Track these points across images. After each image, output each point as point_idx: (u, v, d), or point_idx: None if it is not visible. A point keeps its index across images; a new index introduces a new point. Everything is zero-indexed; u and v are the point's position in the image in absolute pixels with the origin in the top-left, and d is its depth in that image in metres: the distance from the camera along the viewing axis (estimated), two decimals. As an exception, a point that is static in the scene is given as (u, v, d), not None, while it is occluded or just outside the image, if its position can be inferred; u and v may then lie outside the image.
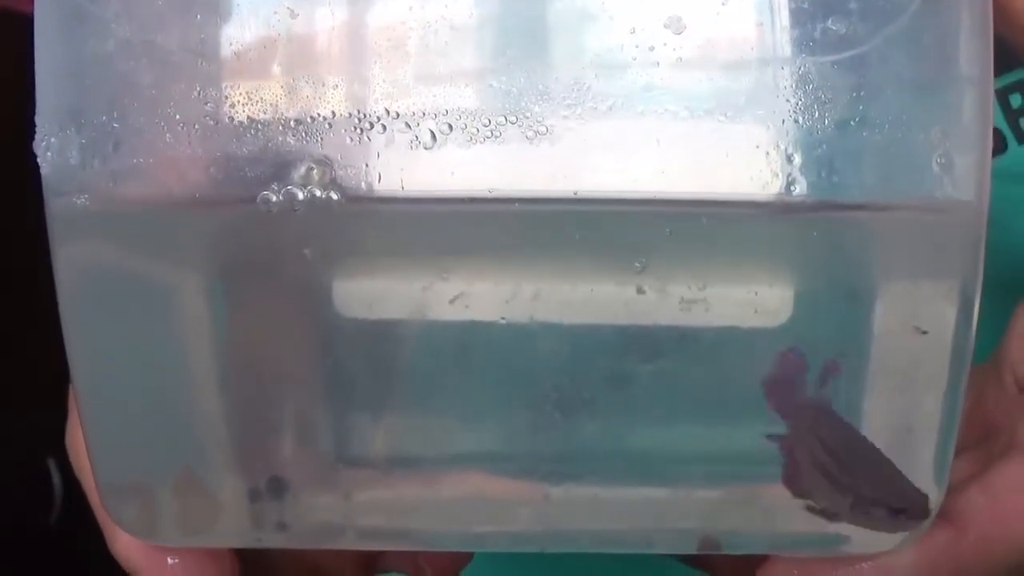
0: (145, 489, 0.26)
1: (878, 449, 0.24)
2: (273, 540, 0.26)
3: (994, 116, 0.40)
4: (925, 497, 0.24)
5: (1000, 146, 0.40)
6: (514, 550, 0.27)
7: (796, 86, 0.23)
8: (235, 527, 0.25)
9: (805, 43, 0.23)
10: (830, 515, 0.25)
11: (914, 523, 0.25)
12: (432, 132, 0.23)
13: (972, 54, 0.23)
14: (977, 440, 0.28)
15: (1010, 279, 0.29)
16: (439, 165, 0.23)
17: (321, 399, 0.26)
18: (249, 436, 0.26)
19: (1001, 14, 0.27)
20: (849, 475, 0.24)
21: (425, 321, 0.25)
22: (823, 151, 0.23)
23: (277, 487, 0.26)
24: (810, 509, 0.25)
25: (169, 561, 0.26)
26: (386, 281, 0.25)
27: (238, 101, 0.24)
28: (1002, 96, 0.39)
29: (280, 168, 0.24)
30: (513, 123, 0.23)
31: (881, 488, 0.24)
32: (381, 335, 0.25)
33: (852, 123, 0.23)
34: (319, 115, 0.23)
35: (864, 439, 0.24)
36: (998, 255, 0.40)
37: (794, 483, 0.24)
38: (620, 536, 0.26)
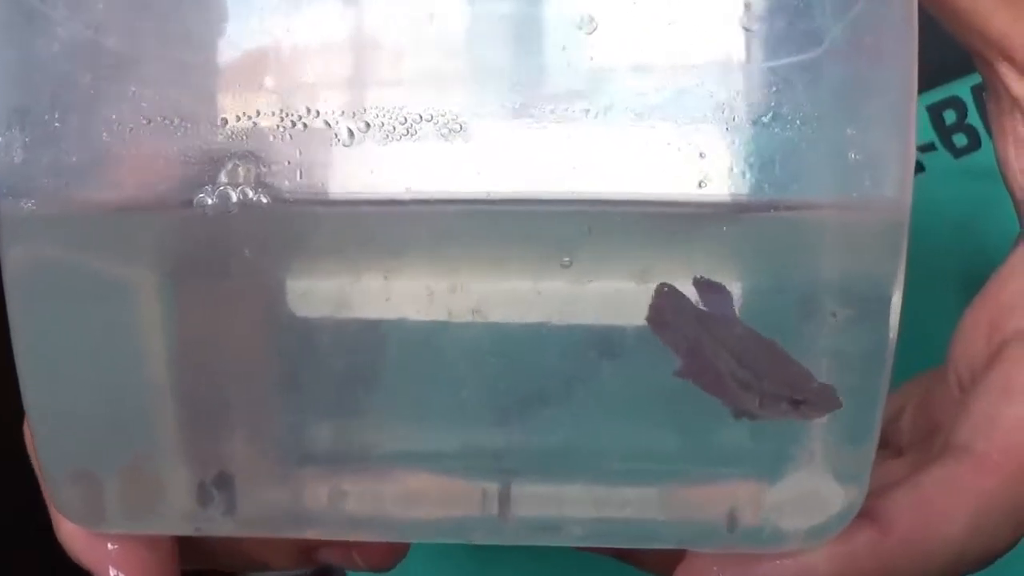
0: (90, 479, 0.26)
1: (775, 344, 0.24)
2: (218, 529, 0.26)
3: (968, 113, 0.40)
4: (830, 388, 0.24)
5: (975, 142, 0.40)
6: (461, 541, 0.27)
7: (708, 85, 0.23)
8: (180, 517, 0.26)
9: (718, 42, 0.23)
10: (751, 416, 0.24)
11: (818, 414, 0.24)
12: (350, 130, 0.23)
13: (891, 48, 0.23)
14: (921, 442, 0.28)
15: (983, 278, 0.29)
16: (359, 164, 0.23)
17: (265, 396, 0.26)
18: (197, 430, 0.26)
19: (949, 15, 0.27)
20: (749, 372, 0.24)
21: (362, 320, 0.25)
22: (736, 149, 0.23)
23: (224, 480, 0.26)
24: (734, 414, 0.24)
25: (109, 547, 0.26)
26: (323, 280, 0.25)
27: (172, 102, 0.24)
28: (979, 93, 0.40)
29: (213, 169, 0.24)
30: (429, 121, 0.23)
31: (781, 382, 0.24)
32: (323, 334, 0.25)
33: (765, 120, 0.23)
34: (244, 114, 0.24)
35: (759, 337, 0.24)
36: (967, 252, 0.40)
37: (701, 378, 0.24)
38: (555, 529, 0.26)
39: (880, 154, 0.24)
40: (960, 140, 0.41)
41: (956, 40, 0.27)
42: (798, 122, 0.23)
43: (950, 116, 0.41)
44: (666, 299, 0.24)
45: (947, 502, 0.25)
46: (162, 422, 0.26)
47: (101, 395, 0.25)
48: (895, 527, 0.24)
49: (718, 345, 0.24)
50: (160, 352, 0.26)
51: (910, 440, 0.30)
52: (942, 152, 0.41)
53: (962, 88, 0.41)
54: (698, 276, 0.24)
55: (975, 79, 0.40)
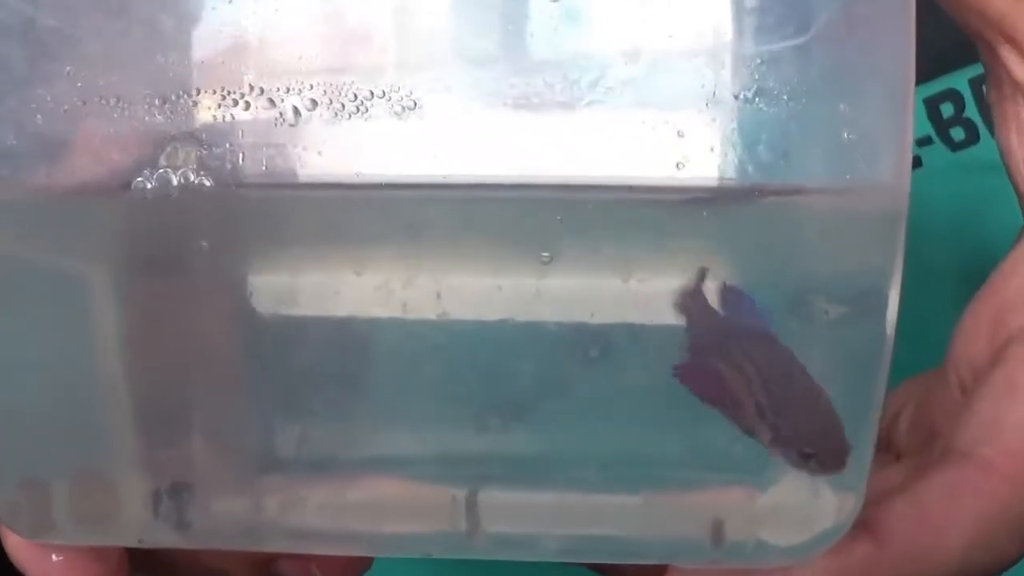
0: (38, 487, 0.25)
1: (814, 384, 0.22)
2: (173, 541, 0.25)
3: (966, 106, 0.39)
4: (846, 448, 0.22)
5: (973, 136, 0.39)
6: (430, 556, 0.25)
7: (688, 58, 0.21)
8: (134, 528, 0.25)
9: (700, 12, 0.21)
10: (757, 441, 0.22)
11: (825, 473, 0.22)
12: (295, 108, 0.22)
13: (888, 24, 0.21)
14: (920, 446, 0.27)
15: (983, 275, 0.28)
16: (306, 145, 0.22)
17: (222, 398, 0.25)
18: (150, 436, 0.25)
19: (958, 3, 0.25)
20: (773, 406, 0.22)
21: (317, 317, 0.24)
22: (719, 128, 0.21)
23: (180, 488, 0.25)
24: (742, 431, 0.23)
25: (53, 558, 0.25)
26: (273, 273, 0.24)
27: (108, 82, 0.23)
28: (977, 85, 0.38)
29: (153, 152, 0.23)
30: (381, 98, 0.22)
31: (800, 427, 0.22)
32: (279, 331, 0.24)
33: (749, 96, 0.21)
34: (183, 93, 0.22)
35: (800, 370, 0.22)
36: (972, 250, 0.39)
37: (724, 403, 0.22)
38: (534, 544, 0.25)
39: (876, 136, 0.22)
40: (958, 134, 0.40)
41: (954, 26, 0.26)
42: (785, 98, 0.21)
43: (947, 109, 0.40)
44: (697, 291, 0.22)
45: (948, 512, 0.23)
46: (114, 427, 0.24)
47: (49, 397, 0.24)
48: (893, 540, 0.23)
49: (745, 358, 0.22)
50: (111, 352, 0.24)
51: (908, 444, 0.28)
52: (939, 146, 0.40)
53: (959, 80, 0.40)
54: (727, 283, 0.22)
55: (972, 71, 0.39)
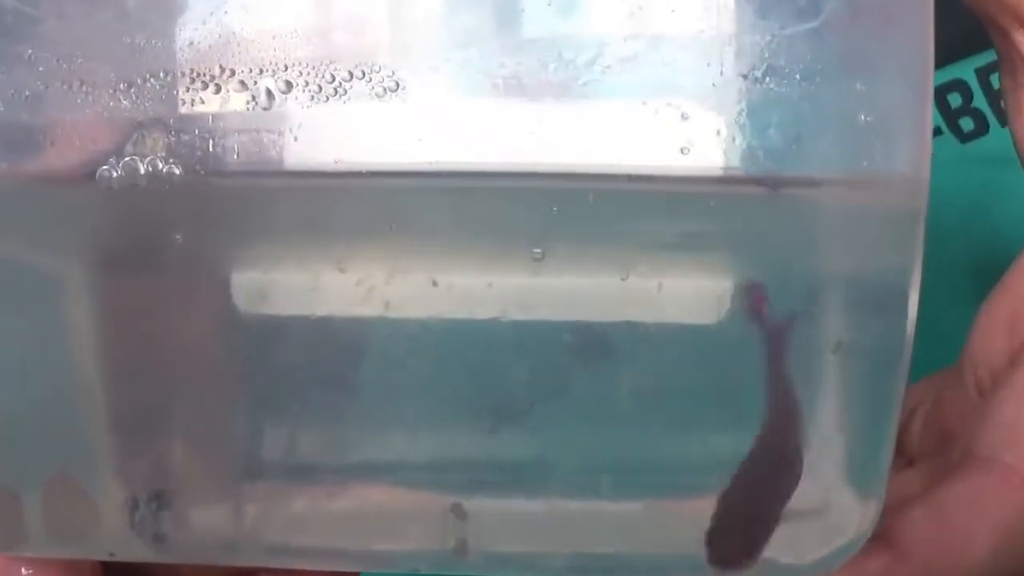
0: (9, 496, 0.24)
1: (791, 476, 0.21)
2: (149, 555, 0.24)
3: (975, 96, 0.38)
4: (745, 557, 0.21)
5: (982, 128, 0.38)
6: (422, 572, 0.24)
7: (693, 33, 0.20)
8: (110, 539, 0.23)
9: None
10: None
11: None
12: (269, 90, 0.20)
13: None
14: (934, 449, 0.26)
15: (994, 271, 0.27)
16: (280, 130, 0.20)
17: (201, 401, 0.24)
18: (126, 442, 0.24)
19: None
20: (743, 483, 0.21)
21: (302, 316, 0.22)
22: (726, 111, 0.20)
23: (157, 497, 0.24)
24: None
25: (23, 572, 0.24)
26: (250, 268, 0.22)
27: (72, 65, 0.21)
28: (984, 75, 0.37)
29: (119, 139, 0.21)
30: (360, 79, 0.20)
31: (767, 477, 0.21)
32: (264, 331, 0.23)
33: (763, 79, 0.20)
34: (149, 75, 0.21)
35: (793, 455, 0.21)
36: (982, 245, 0.38)
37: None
38: (538, 559, 0.24)
39: (895, 120, 0.20)
40: (967, 124, 0.39)
41: (958, 15, 0.25)
42: (798, 78, 0.20)
43: (955, 99, 0.39)
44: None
45: (971, 521, 0.22)
46: (88, 432, 0.23)
47: (17, 401, 0.23)
48: (913, 552, 0.22)
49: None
50: (83, 352, 0.23)
51: (921, 448, 0.27)
52: (948, 137, 0.39)
53: (966, 70, 0.39)
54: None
55: (978, 61, 0.38)
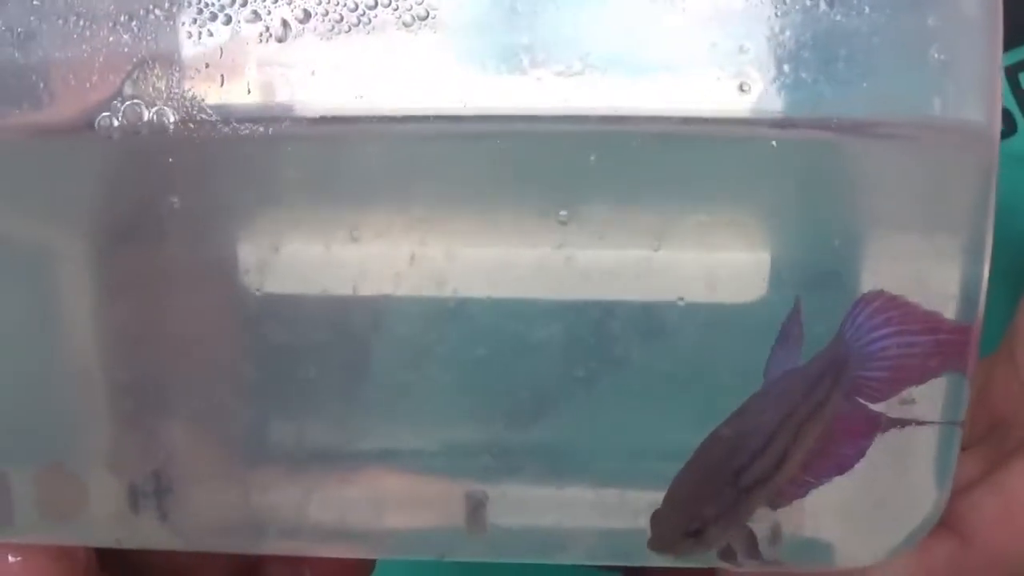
0: None
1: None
2: (150, 542, 0.23)
3: (1003, 95, 0.37)
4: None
5: (1009, 127, 0.37)
6: (437, 557, 0.23)
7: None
8: (107, 525, 0.23)
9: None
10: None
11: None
12: (285, 21, 0.19)
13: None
14: (983, 435, 0.25)
15: (1019, 269, 0.27)
16: (297, 65, 0.18)
17: (208, 383, 0.22)
18: (128, 423, 0.23)
19: None
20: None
21: (311, 292, 0.21)
22: (784, 44, 0.18)
23: (159, 482, 0.23)
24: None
25: (10, 559, 0.23)
26: (264, 234, 0.20)
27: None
28: (1012, 74, 0.37)
29: (117, 79, 0.19)
30: (386, 6, 0.18)
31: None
32: (274, 307, 0.21)
33: (830, 8, 0.18)
34: (153, 7, 0.19)
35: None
36: (1007, 243, 0.36)
37: None
38: (558, 543, 0.22)
39: (968, 61, 0.18)
40: (995, 123, 0.38)
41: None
42: (867, 9, 0.18)
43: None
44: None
45: None
46: (87, 414, 0.22)
47: (13, 380, 0.22)
48: (979, 536, 0.22)
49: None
50: (80, 327, 0.22)
51: (971, 432, 0.26)
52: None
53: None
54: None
55: (1007, 59, 0.37)
